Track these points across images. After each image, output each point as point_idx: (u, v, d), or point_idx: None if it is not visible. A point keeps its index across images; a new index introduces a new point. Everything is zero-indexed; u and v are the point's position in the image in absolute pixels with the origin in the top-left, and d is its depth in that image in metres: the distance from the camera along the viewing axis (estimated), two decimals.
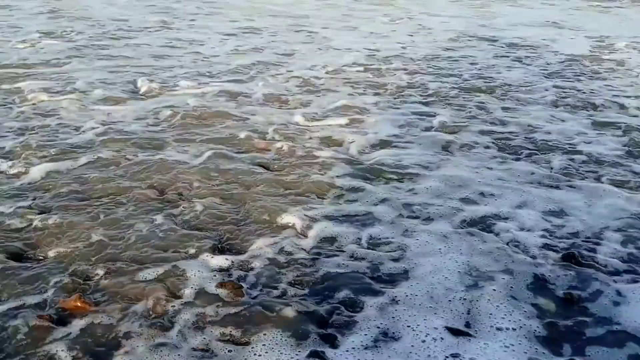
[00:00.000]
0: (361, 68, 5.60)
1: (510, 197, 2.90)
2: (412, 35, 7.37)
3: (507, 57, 6.20)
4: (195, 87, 4.77)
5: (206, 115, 4.05)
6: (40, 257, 2.29)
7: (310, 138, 3.66)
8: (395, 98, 4.61)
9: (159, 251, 2.35)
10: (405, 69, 5.54)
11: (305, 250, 2.39)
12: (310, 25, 8.03)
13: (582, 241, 2.51)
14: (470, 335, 1.90)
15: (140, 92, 4.59)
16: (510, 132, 3.85)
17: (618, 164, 3.36)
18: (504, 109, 4.36)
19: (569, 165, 3.32)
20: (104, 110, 4.11)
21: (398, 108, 4.33)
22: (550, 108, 4.40)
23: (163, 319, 1.94)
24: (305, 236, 2.50)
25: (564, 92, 4.83)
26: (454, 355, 1.81)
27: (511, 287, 2.17)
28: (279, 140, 3.59)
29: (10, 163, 3.15)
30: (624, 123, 4.05)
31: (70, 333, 1.87)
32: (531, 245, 2.45)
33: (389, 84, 5.00)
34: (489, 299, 2.08)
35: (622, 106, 4.47)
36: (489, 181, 3.08)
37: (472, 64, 5.83)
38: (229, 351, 1.82)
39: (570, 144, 3.65)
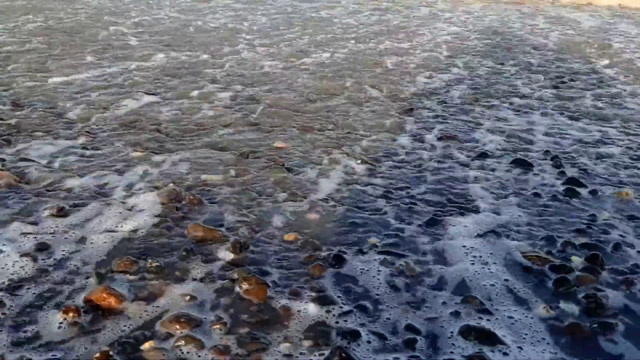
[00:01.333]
0: None
1: (527, 199, 2.90)
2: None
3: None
4: None
5: None
6: (66, 250, 2.32)
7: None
8: None
9: (182, 245, 2.36)
10: None
11: (326, 246, 2.40)
12: None
13: (605, 242, 2.50)
14: (499, 341, 1.90)
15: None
16: None
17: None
18: None
19: (589, 165, 3.33)
20: None
21: None
22: None
23: (187, 316, 1.95)
24: (327, 232, 2.51)
25: None
26: (479, 354, 1.81)
27: (531, 290, 2.17)
28: None
29: None
30: None
31: (97, 325, 1.88)
32: (553, 246, 2.46)
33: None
34: (512, 304, 2.08)
35: None
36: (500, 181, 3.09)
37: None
38: (252, 347, 1.82)
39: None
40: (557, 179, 3.18)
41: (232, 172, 3.13)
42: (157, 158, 3.30)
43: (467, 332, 1.90)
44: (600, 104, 4.70)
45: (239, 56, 5.96)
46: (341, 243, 2.45)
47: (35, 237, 2.40)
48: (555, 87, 5.19)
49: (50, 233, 2.45)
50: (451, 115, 4.31)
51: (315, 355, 1.79)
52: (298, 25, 7.87)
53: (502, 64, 6.05)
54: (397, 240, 2.49)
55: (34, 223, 2.52)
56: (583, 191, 3.01)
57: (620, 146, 3.75)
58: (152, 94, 4.62)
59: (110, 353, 1.74)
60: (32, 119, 3.90)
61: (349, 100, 4.61)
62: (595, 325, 1.96)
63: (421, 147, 3.63)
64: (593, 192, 3.00)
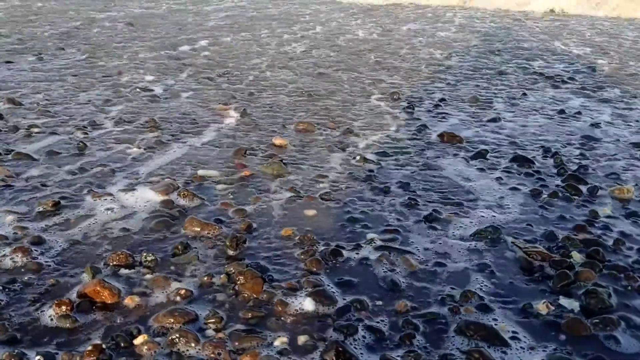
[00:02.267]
0: None
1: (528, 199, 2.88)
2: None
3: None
4: None
5: None
6: (60, 244, 2.29)
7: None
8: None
9: (178, 239, 2.34)
10: None
11: (324, 241, 2.37)
12: None
13: (605, 238, 2.47)
14: (498, 337, 1.87)
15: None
16: None
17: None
18: None
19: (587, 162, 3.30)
20: None
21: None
22: None
23: (182, 310, 1.92)
24: (324, 227, 2.49)
25: None
26: (478, 349, 1.78)
27: (531, 286, 2.14)
28: None
29: None
30: None
31: (90, 318, 1.86)
32: (553, 242, 2.43)
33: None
34: (511, 300, 2.06)
35: None
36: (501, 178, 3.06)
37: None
38: (247, 342, 1.78)
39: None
40: (557, 175, 3.16)
41: (230, 168, 3.11)
42: (154, 153, 3.28)
43: (466, 328, 1.87)
44: (599, 103, 4.68)
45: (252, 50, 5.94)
46: (339, 238, 2.42)
47: (30, 231, 2.37)
48: (555, 87, 5.16)
49: (45, 227, 2.42)
50: (451, 113, 4.29)
51: (311, 350, 1.76)
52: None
53: (503, 63, 6.03)
54: (395, 235, 2.46)
55: (29, 217, 2.49)
56: (583, 188, 2.98)
57: (621, 144, 3.72)
58: (151, 90, 4.60)
59: (103, 347, 1.71)
60: (29, 115, 3.88)
61: (349, 98, 4.59)
62: (596, 321, 1.93)
63: (421, 145, 3.60)
64: (593, 189, 2.97)
